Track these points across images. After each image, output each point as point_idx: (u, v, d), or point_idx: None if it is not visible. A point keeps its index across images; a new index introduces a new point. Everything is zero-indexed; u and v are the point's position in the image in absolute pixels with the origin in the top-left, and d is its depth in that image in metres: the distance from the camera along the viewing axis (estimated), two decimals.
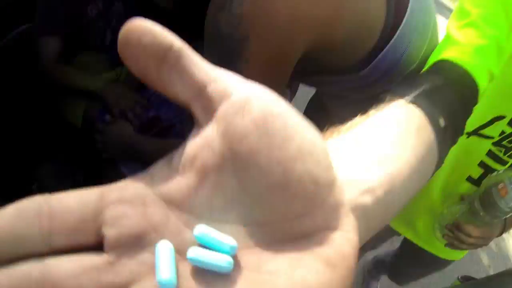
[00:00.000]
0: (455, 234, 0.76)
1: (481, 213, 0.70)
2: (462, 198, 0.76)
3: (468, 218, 0.74)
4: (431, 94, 0.37)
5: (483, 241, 0.76)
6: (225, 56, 0.48)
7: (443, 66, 0.45)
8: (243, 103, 0.15)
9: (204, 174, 0.15)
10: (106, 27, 1.23)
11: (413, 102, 0.34)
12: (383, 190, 0.23)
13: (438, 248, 0.88)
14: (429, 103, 0.35)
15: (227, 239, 0.14)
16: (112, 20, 1.23)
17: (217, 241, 0.14)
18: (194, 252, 0.14)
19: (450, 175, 0.76)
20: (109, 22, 1.23)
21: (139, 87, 1.25)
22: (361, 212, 0.20)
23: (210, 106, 0.15)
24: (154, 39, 0.15)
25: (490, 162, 0.72)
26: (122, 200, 0.14)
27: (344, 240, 0.16)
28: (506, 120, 0.65)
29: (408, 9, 0.57)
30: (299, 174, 0.15)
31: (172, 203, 0.15)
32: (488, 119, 0.66)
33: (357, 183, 0.22)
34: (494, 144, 0.69)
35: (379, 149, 0.26)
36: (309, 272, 0.14)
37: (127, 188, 0.14)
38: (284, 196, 0.15)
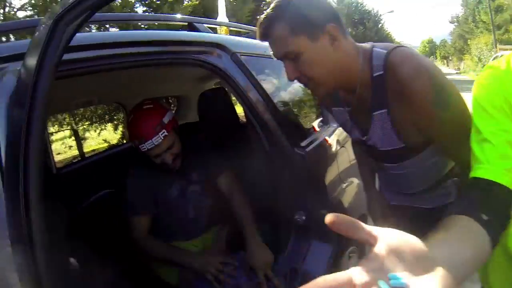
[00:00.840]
0: None
1: None
2: None
3: None
4: (473, 204, 0.65)
5: None
6: None
7: (474, 183, 0.71)
8: (387, 235, 0.39)
9: (384, 258, 0.38)
10: (187, 204, 1.48)
11: (461, 213, 0.62)
12: (451, 261, 0.46)
13: None
14: (471, 211, 0.62)
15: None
16: (192, 199, 1.48)
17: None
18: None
19: None
20: (189, 200, 1.48)
21: (227, 252, 1.39)
22: (444, 265, 0.42)
23: (373, 240, 0.39)
24: (344, 220, 0.38)
25: None
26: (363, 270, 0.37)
27: (443, 271, 0.39)
28: None
29: None
30: (420, 256, 0.39)
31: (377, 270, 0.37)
32: None
33: (441, 257, 0.44)
34: None
35: (446, 242, 0.52)
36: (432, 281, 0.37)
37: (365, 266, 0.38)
38: (416, 263, 0.38)
